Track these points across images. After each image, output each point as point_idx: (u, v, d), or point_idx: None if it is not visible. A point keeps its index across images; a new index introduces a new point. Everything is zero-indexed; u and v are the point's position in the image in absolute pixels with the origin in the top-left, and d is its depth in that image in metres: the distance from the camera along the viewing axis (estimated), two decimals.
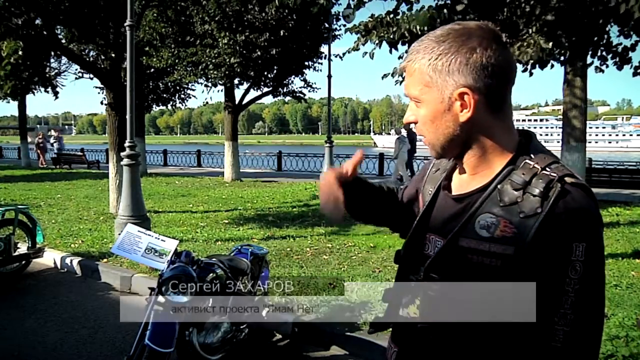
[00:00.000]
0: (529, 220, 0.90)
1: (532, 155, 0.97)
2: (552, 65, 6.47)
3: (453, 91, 0.95)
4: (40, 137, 23.10)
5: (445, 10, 5.49)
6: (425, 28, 5.36)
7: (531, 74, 6.25)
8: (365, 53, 5.98)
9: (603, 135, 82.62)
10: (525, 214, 0.90)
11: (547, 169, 0.93)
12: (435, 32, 0.98)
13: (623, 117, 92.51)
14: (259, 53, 12.17)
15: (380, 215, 1.33)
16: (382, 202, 1.31)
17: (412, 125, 1.07)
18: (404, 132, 15.05)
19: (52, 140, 22.33)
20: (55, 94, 18.28)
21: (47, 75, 17.84)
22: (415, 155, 15.41)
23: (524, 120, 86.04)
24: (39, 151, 22.43)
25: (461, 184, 1.06)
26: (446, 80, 0.95)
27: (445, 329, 1.00)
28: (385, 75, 6.26)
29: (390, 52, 5.90)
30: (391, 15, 5.72)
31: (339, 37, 14.21)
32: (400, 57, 6.04)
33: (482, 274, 0.94)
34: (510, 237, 0.91)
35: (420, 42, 0.99)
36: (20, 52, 8.26)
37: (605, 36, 5.75)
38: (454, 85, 0.95)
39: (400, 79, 6.19)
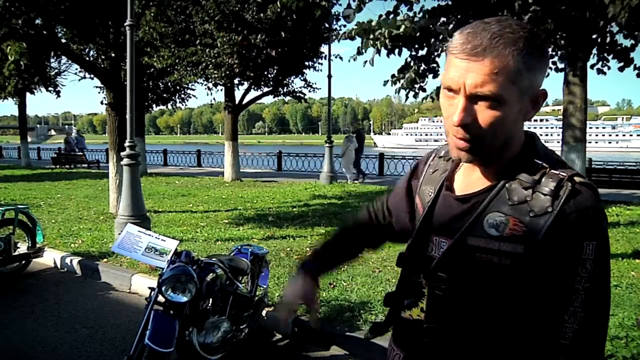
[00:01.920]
0: (540, 219, 0.90)
1: (538, 155, 0.97)
2: (547, 74, 6.45)
3: (535, 91, 0.93)
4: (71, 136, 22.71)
5: (425, 18, 5.53)
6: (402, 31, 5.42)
7: None
8: (366, 61, 5.98)
9: (603, 135, 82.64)
10: (536, 213, 0.91)
11: (556, 168, 0.94)
12: (511, 23, 0.90)
13: (623, 118, 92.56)
14: (257, 52, 12.16)
15: (372, 247, 1.41)
16: (359, 246, 1.38)
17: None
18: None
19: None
20: (57, 93, 18.28)
21: (48, 75, 17.85)
22: (363, 154, 16.12)
23: None
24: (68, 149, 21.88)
25: (466, 184, 1.05)
26: (533, 79, 0.91)
27: (453, 328, 0.99)
28: (392, 86, 6.25)
29: (388, 55, 5.92)
30: (373, 23, 5.74)
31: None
32: (407, 66, 5.97)
33: (491, 272, 0.94)
34: (520, 236, 0.91)
35: (502, 33, 0.88)
36: (24, 55, 8.23)
37: (608, 36, 5.73)
38: (537, 85, 0.93)
39: (396, 84, 6.13)
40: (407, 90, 5.98)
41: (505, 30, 0.88)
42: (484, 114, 0.91)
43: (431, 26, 5.51)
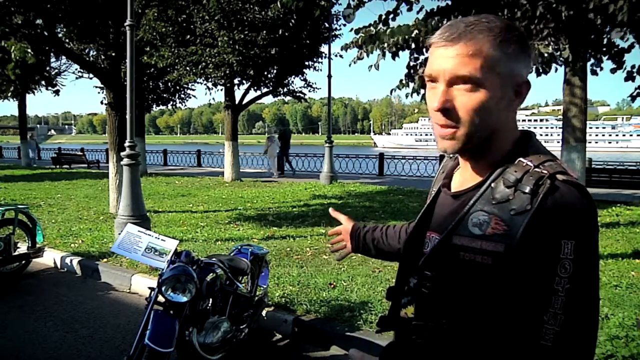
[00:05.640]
0: (519, 217, 0.89)
1: (528, 153, 0.97)
2: (556, 70, 6.47)
3: (517, 79, 0.95)
4: None
5: (434, 19, 5.51)
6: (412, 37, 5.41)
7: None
8: (371, 66, 5.96)
9: (603, 135, 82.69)
10: (516, 211, 0.90)
11: (540, 166, 0.93)
12: (488, 17, 0.95)
13: (623, 117, 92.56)
14: (257, 51, 12.17)
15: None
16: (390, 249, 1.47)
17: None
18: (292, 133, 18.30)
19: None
20: (56, 92, 18.30)
21: (49, 74, 17.91)
22: (289, 151, 17.85)
23: (524, 120, 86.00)
24: None
25: (460, 181, 1.07)
26: (513, 67, 0.93)
27: (439, 326, 0.99)
28: (393, 90, 6.24)
29: (394, 58, 5.90)
30: (377, 28, 5.72)
31: (339, 36, 14.22)
32: (411, 67, 5.97)
33: (474, 271, 0.93)
34: (501, 235, 0.91)
35: (477, 23, 0.93)
36: (30, 54, 8.21)
37: (605, 37, 5.73)
38: (519, 74, 0.95)
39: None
40: (418, 92, 5.95)
41: (481, 20, 0.93)
42: (463, 98, 0.93)
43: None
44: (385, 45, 5.53)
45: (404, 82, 5.99)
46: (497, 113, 0.95)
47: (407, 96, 6.33)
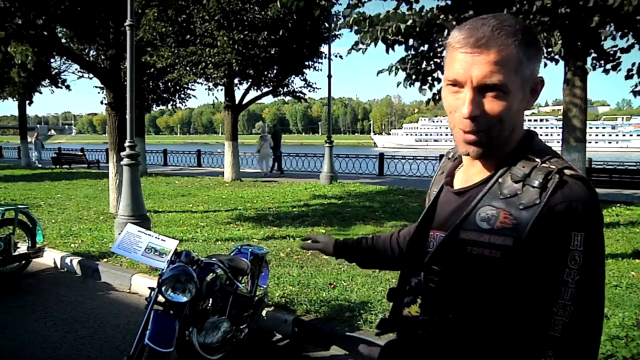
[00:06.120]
0: (528, 211, 0.91)
1: (533, 150, 0.99)
2: (545, 65, 6.47)
3: (534, 79, 0.97)
4: None
5: (431, 12, 5.50)
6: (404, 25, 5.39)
7: None
8: (359, 48, 5.91)
9: (603, 135, 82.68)
10: (525, 205, 0.92)
11: (547, 162, 0.95)
12: (506, 18, 0.94)
13: (623, 117, 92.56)
14: (257, 51, 12.18)
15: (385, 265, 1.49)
16: (377, 260, 1.47)
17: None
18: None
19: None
20: (67, 87, 18.22)
21: (56, 73, 17.88)
22: (280, 151, 18.12)
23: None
24: None
25: (465, 179, 1.07)
26: (532, 69, 0.96)
27: (446, 320, 1.00)
28: (381, 72, 6.21)
29: (387, 51, 5.89)
30: (374, 14, 5.69)
31: (339, 37, 14.21)
32: (405, 60, 5.94)
33: (482, 265, 0.95)
34: (510, 228, 0.92)
35: (501, 27, 0.92)
36: (30, 58, 8.19)
37: (601, 39, 5.73)
38: (536, 74, 0.97)
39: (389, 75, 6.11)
40: (413, 79, 5.90)
41: (504, 24, 0.93)
42: (492, 105, 0.93)
43: (438, 21, 5.49)
44: (379, 30, 5.48)
45: (394, 67, 5.96)
46: (518, 113, 0.97)
47: (397, 85, 6.33)
